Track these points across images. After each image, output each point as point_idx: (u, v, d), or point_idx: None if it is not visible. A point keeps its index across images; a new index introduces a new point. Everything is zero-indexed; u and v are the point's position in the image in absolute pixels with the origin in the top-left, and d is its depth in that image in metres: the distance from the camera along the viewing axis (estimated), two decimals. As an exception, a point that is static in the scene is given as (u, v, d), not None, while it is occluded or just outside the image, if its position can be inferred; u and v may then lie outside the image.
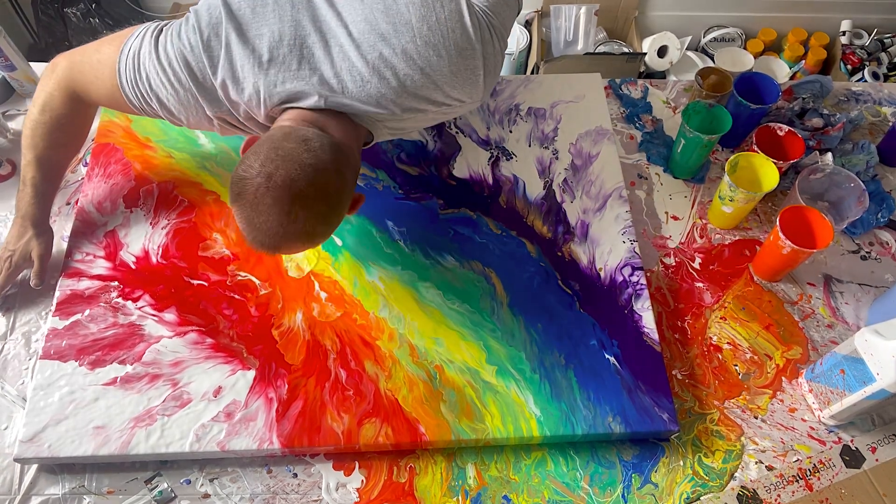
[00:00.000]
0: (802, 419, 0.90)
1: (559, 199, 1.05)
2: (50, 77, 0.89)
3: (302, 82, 0.77)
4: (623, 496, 0.84)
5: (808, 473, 0.86)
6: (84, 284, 0.95)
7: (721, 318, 0.98)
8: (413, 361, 0.90)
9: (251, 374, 0.88)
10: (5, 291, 0.97)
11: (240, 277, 0.96)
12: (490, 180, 1.07)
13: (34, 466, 0.85)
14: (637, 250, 1.00)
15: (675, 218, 1.08)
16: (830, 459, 0.87)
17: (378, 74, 0.77)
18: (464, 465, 0.86)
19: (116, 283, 0.95)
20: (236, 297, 0.95)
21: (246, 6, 0.78)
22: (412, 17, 0.77)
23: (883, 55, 2.08)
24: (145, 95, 0.82)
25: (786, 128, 1.05)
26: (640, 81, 1.25)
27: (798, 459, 0.87)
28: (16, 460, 0.83)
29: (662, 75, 2.12)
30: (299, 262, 0.98)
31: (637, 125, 1.19)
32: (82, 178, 1.08)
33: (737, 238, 1.06)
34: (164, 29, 0.81)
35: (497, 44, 0.83)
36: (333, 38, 0.78)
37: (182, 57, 0.78)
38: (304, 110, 0.78)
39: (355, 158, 0.81)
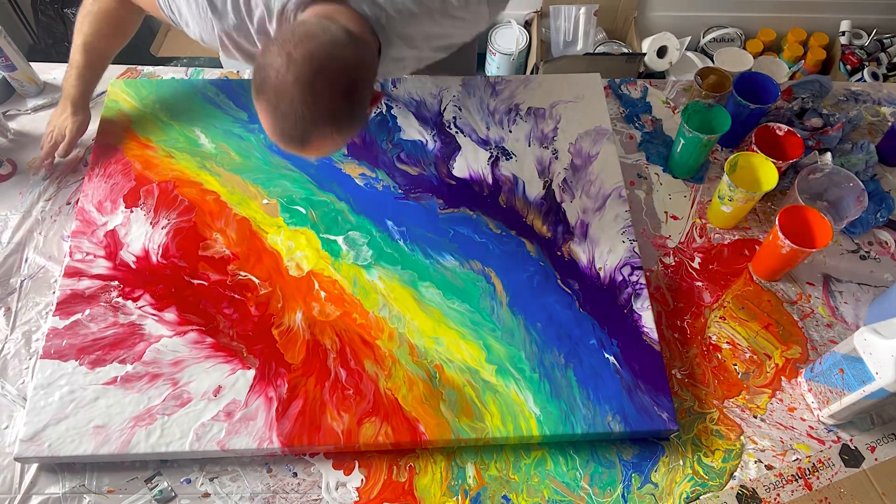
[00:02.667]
0: (801, 418, 0.90)
1: (559, 199, 1.06)
2: None
3: None
4: (623, 496, 0.84)
5: (808, 473, 0.86)
6: (84, 284, 0.95)
7: (720, 318, 0.98)
8: (413, 361, 0.90)
9: (251, 373, 0.89)
10: (46, 162, 1.08)
11: (240, 277, 0.97)
12: (490, 180, 1.07)
13: (34, 465, 0.85)
14: (636, 250, 1.00)
15: (675, 217, 1.08)
16: (829, 459, 0.87)
17: None
18: (463, 465, 0.86)
19: (117, 282, 0.96)
20: (236, 296, 0.95)
21: None
22: None
23: (882, 55, 2.09)
24: (170, 5, 0.88)
25: (785, 128, 1.05)
26: (640, 81, 1.25)
27: (797, 459, 0.87)
28: (16, 459, 0.83)
29: (662, 75, 2.12)
30: (299, 261, 0.98)
31: (636, 125, 1.19)
32: (83, 178, 1.08)
33: (736, 238, 1.06)
34: None
35: None
36: None
37: None
38: (318, 6, 0.79)
39: (372, 50, 0.81)
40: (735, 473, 0.86)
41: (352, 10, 0.81)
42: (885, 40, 2.11)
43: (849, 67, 2.06)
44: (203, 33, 0.88)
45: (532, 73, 2.04)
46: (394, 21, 0.83)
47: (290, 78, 0.70)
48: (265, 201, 1.04)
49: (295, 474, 0.85)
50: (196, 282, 0.96)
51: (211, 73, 1.23)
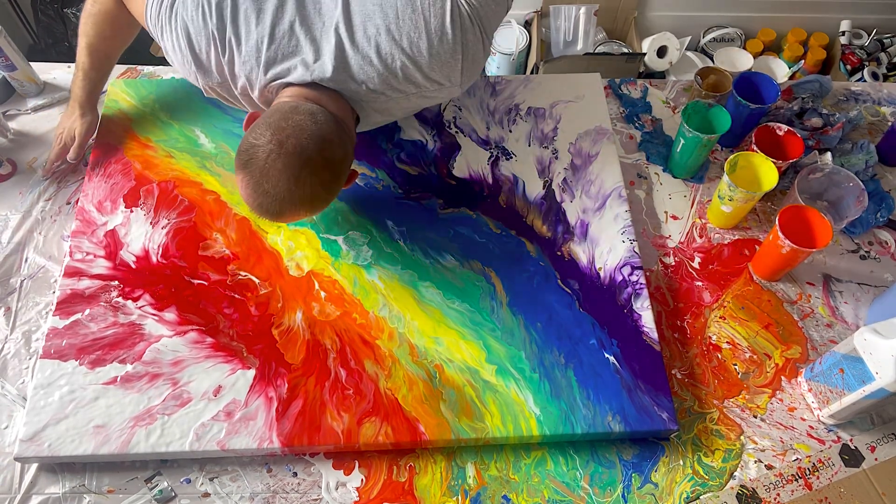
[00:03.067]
0: (802, 418, 0.90)
1: (559, 199, 1.06)
2: None
3: (294, 59, 0.84)
4: (623, 496, 0.84)
5: (808, 472, 0.86)
6: (84, 284, 0.95)
7: (720, 318, 0.98)
8: (413, 361, 0.90)
9: (251, 373, 0.89)
10: (56, 166, 1.10)
11: (240, 277, 0.97)
12: (490, 180, 1.07)
13: (34, 465, 0.85)
14: (636, 250, 1.00)
15: (675, 217, 1.08)
16: (829, 458, 0.87)
17: (361, 53, 0.84)
18: (463, 465, 0.86)
19: (116, 282, 0.96)
20: (236, 296, 0.95)
21: None
22: (397, 0, 0.83)
23: (882, 55, 2.09)
24: (157, 38, 0.91)
25: (785, 127, 1.05)
26: (640, 81, 1.25)
27: (797, 458, 0.87)
28: (16, 459, 0.83)
29: (662, 75, 2.12)
30: (299, 261, 0.98)
31: (636, 125, 1.19)
32: (83, 178, 1.08)
33: (736, 237, 1.06)
34: None
35: (479, 33, 0.87)
36: (329, 17, 0.84)
37: (185, 29, 0.85)
38: (301, 87, 0.85)
39: (351, 133, 0.88)
40: (735, 473, 0.86)
41: (334, 94, 0.86)
42: (885, 40, 2.11)
43: (849, 67, 2.06)
44: (186, 76, 0.92)
45: (532, 72, 2.04)
46: (371, 100, 0.89)
47: (280, 166, 0.77)
48: None
49: (295, 474, 0.85)
50: (196, 282, 0.96)
51: (211, 73, 1.23)
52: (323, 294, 0.95)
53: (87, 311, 0.93)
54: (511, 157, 1.10)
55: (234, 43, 0.85)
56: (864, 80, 2.01)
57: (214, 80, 0.89)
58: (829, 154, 1.10)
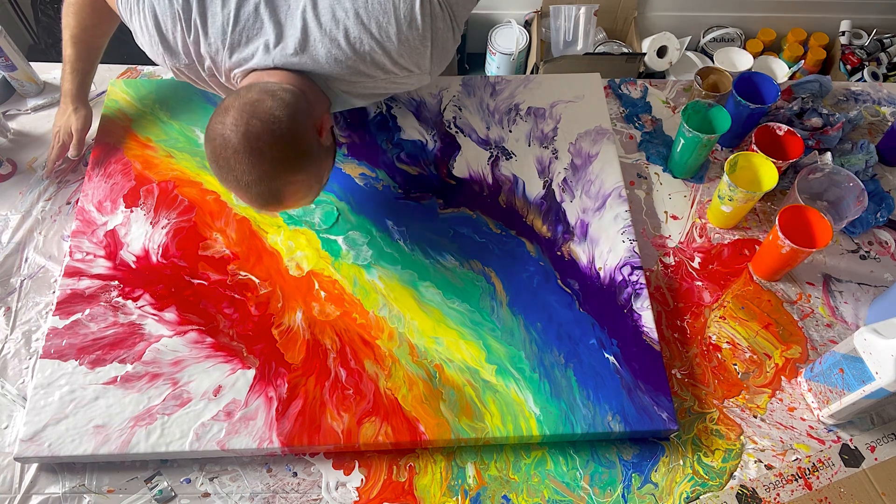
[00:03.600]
0: (801, 418, 0.90)
1: (559, 199, 1.06)
2: None
3: (257, 42, 0.84)
4: (623, 496, 0.84)
5: (808, 472, 0.86)
6: (84, 284, 0.95)
7: (720, 318, 0.98)
8: (413, 360, 0.90)
9: (251, 373, 0.89)
10: (57, 165, 1.09)
11: (240, 277, 0.97)
12: (490, 180, 1.07)
13: (34, 465, 0.85)
14: (636, 250, 1.00)
15: (675, 217, 1.08)
16: (829, 458, 0.87)
17: (329, 36, 0.83)
18: (463, 465, 0.86)
19: (117, 282, 0.96)
20: (236, 296, 0.95)
21: None
22: None
23: (882, 55, 2.09)
24: (126, 20, 0.90)
25: (785, 127, 1.05)
26: (640, 81, 1.25)
27: (797, 458, 0.87)
28: (16, 459, 0.83)
29: (662, 75, 2.12)
30: (299, 261, 0.98)
31: (636, 125, 1.19)
32: (82, 178, 1.08)
33: (736, 237, 1.06)
34: None
35: (448, 20, 0.86)
36: (295, 0, 0.84)
37: (152, 9, 0.85)
38: (263, 71, 0.84)
39: (319, 110, 0.86)
40: (735, 473, 0.86)
41: (294, 73, 0.85)
42: (885, 40, 2.11)
43: (849, 67, 2.06)
44: (155, 58, 0.91)
45: (532, 72, 2.04)
46: (338, 84, 0.88)
47: (231, 151, 0.75)
48: None
49: (295, 474, 0.85)
50: (196, 281, 0.96)
51: (211, 73, 1.23)
52: (323, 294, 0.95)
53: (87, 311, 0.93)
54: (511, 157, 1.10)
55: (200, 24, 0.84)
56: (864, 80, 2.01)
57: (182, 61, 0.88)
58: (828, 154, 1.10)
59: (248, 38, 0.84)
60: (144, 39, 0.89)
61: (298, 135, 0.78)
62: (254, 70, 0.85)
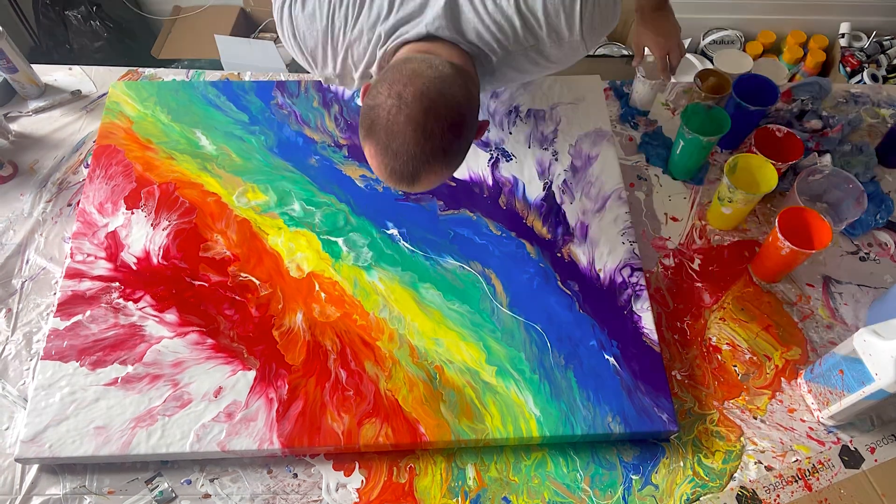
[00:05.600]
0: (801, 420, 0.90)
1: (559, 201, 1.06)
2: None
3: (410, 23, 0.80)
4: (623, 498, 0.84)
5: (808, 474, 0.86)
6: (85, 285, 0.95)
7: (720, 319, 0.98)
8: (413, 362, 0.90)
9: (251, 374, 0.89)
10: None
11: (240, 278, 0.97)
12: (490, 181, 1.08)
13: (35, 466, 0.85)
14: (636, 251, 1.00)
15: (675, 219, 1.08)
16: (829, 460, 0.87)
17: (501, 11, 0.79)
18: (463, 466, 0.86)
19: (117, 283, 0.96)
20: (237, 297, 0.95)
21: None
22: None
23: (882, 57, 2.09)
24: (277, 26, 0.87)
25: (785, 129, 1.05)
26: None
27: (797, 460, 0.87)
28: (17, 460, 0.84)
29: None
30: (300, 262, 0.98)
31: (631, 124, 1.19)
32: (84, 180, 1.09)
33: (736, 239, 1.06)
34: None
35: None
36: None
37: (302, 33, 0.84)
38: (416, 43, 0.80)
39: (475, 80, 0.81)
40: (735, 475, 0.86)
41: (451, 44, 0.81)
42: (884, 42, 2.11)
43: (848, 69, 2.06)
44: (304, 65, 0.90)
45: (532, 75, 2.04)
46: (489, 60, 0.83)
47: (402, 118, 0.70)
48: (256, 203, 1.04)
49: (295, 475, 0.85)
50: (197, 283, 0.96)
51: (212, 75, 1.23)
52: (323, 295, 0.96)
53: (88, 313, 0.93)
54: (511, 159, 1.10)
55: (345, 29, 0.82)
56: (864, 82, 2.01)
57: (330, 73, 0.87)
58: (828, 156, 1.10)
59: (401, 21, 0.81)
60: (296, 52, 0.88)
61: (470, 130, 0.76)
62: (405, 43, 0.81)
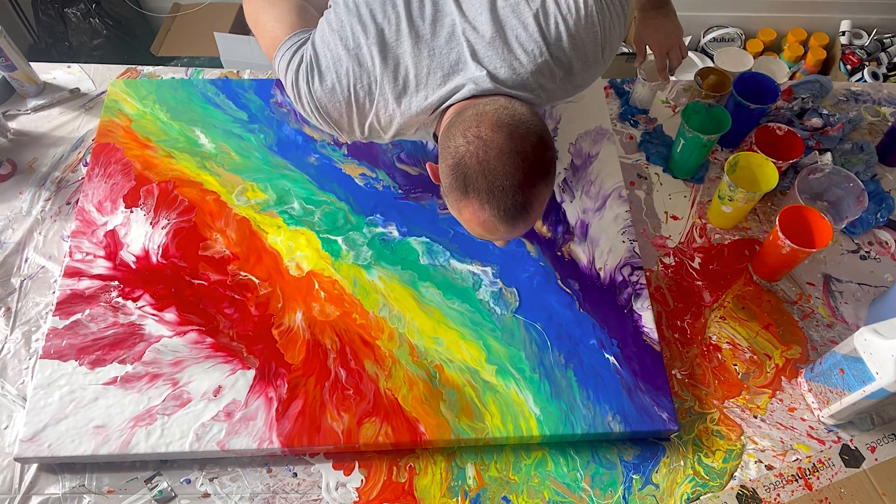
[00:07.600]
0: (802, 418, 0.90)
1: (559, 199, 1.05)
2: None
3: (453, 80, 0.77)
4: (624, 497, 0.84)
5: (808, 473, 0.86)
6: (84, 284, 0.95)
7: (720, 318, 0.98)
8: (413, 361, 0.90)
9: (251, 373, 0.88)
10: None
11: (240, 277, 0.97)
12: (490, 180, 1.07)
13: (34, 466, 0.85)
14: (636, 250, 1.00)
15: (675, 218, 1.08)
16: (830, 459, 0.87)
17: (533, 59, 0.77)
18: (463, 465, 0.86)
19: (116, 282, 0.95)
20: (236, 296, 0.95)
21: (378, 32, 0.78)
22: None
23: (882, 55, 2.08)
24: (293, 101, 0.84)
25: (785, 128, 1.05)
26: (640, 81, 1.25)
27: (797, 459, 0.87)
28: (16, 460, 0.83)
29: (662, 75, 2.11)
30: (299, 261, 0.98)
31: (631, 122, 1.19)
32: (82, 178, 1.08)
33: (736, 238, 1.06)
34: (304, 68, 0.80)
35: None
36: (447, 21, 0.78)
37: (324, 106, 0.81)
38: (457, 104, 0.77)
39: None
40: (735, 474, 0.86)
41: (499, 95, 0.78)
42: (885, 40, 2.10)
43: (849, 67, 2.05)
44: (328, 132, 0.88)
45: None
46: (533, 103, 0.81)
47: (493, 154, 0.68)
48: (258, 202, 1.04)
49: (295, 474, 0.85)
50: (196, 282, 0.96)
51: (211, 73, 1.23)
52: (323, 294, 0.95)
53: (87, 312, 0.93)
54: (511, 158, 1.10)
55: (371, 98, 0.79)
56: (865, 81, 2.01)
57: (358, 137, 0.85)
58: (829, 154, 1.10)
59: (435, 84, 0.78)
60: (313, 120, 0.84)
61: (539, 123, 0.73)
62: (452, 105, 0.78)
